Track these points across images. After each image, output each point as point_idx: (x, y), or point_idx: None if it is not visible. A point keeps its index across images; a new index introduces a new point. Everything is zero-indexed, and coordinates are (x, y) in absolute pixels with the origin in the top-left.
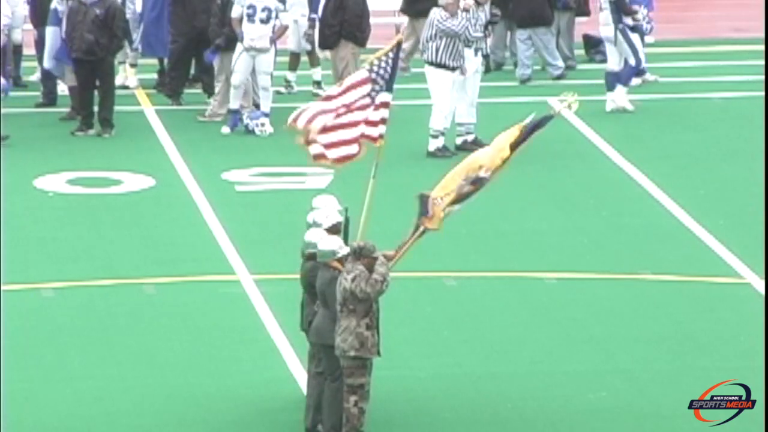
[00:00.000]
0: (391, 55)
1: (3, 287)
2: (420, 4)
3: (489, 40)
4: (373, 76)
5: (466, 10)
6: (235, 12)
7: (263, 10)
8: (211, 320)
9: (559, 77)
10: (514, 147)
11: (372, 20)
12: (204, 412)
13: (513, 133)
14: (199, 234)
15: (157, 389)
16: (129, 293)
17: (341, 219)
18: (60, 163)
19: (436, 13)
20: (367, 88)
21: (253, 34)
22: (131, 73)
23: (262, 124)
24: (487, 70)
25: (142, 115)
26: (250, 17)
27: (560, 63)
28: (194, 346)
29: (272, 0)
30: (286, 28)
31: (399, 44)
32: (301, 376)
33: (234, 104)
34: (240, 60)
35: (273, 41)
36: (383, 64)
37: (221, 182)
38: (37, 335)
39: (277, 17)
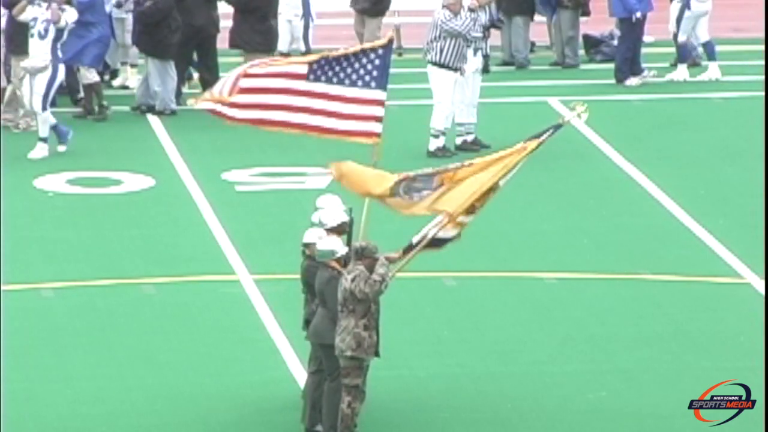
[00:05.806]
0: (377, 51)
1: (3, 287)
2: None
3: (489, 41)
4: (314, 66)
5: (472, 10)
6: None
7: (42, 22)
8: (211, 320)
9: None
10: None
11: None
12: (204, 412)
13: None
14: (199, 234)
15: (157, 389)
16: (129, 293)
17: (347, 219)
18: (60, 163)
19: (440, 14)
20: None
21: (31, 51)
22: (132, 74)
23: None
24: (486, 70)
25: (142, 115)
26: (28, 31)
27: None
28: (194, 346)
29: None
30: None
31: (390, 42)
32: (300, 376)
33: (43, 132)
34: (26, 81)
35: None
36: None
37: (221, 182)
38: (37, 335)
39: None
